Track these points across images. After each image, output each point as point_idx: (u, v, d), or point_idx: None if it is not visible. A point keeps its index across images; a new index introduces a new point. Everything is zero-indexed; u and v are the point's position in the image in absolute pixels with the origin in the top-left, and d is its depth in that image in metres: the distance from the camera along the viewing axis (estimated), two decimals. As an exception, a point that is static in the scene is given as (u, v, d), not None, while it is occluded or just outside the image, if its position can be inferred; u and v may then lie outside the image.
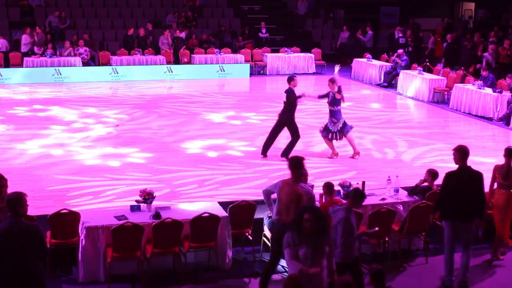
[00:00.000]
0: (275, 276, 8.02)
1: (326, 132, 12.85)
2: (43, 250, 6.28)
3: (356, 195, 7.39)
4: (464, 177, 8.03)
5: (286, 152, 12.58)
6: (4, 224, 6.17)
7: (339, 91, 12.51)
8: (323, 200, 8.76)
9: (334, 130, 12.75)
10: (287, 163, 8.07)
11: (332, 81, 12.64)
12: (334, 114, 12.71)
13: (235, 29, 26.49)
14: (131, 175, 11.75)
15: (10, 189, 7.22)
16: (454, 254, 8.20)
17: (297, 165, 7.81)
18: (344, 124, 12.75)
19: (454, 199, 8.02)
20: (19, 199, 6.21)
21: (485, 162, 12.31)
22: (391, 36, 26.10)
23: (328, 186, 8.73)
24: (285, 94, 12.60)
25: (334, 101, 12.66)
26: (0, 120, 15.67)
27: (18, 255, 6.12)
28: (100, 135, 14.47)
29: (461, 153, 8.05)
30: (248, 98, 19.86)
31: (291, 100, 12.48)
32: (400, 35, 24.69)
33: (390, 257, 8.93)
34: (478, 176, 8.10)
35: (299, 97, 12.61)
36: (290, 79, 12.60)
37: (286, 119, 12.59)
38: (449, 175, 8.13)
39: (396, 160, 13.10)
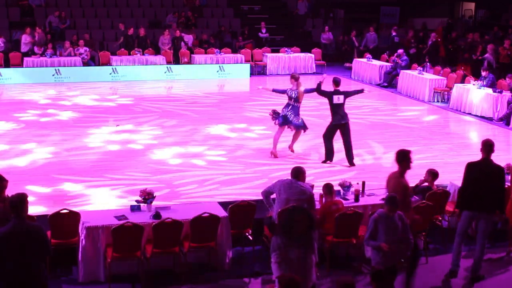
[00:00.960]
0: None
1: (283, 120, 12.65)
2: (43, 251, 6.28)
3: (387, 201, 7.39)
4: (486, 169, 8.19)
5: (351, 158, 12.42)
6: (7, 226, 6.20)
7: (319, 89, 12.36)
8: (323, 201, 8.76)
9: (285, 117, 12.60)
10: (394, 157, 8.00)
11: (293, 77, 12.63)
12: (295, 110, 12.57)
13: (235, 29, 26.48)
14: (131, 175, 11.76)
15: (10, 189, 7.22)
16: (462, 247, 8.35)
17: (403, 158, 7.87)
18: (295, 120, 12.59)
19: (474, 191, 8.15)
20: (21, 200, 6.23)
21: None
22: (391, 36, 26.08)
23: (328, 187, 8.73)
24: (343, 96, 12.15)
25: (296, 98, 12.61)
26: (0, 120, 15.69)
27: (18, 255, 6.13)
28: (100, 136, 14.47)
29: (486, 146, 8.25)
30: (244, 100, 19.85)
31: (350, 95, 12.46)
32: (394, 34, 24.67)
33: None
34: (500, 170, 8.27)
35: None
36: (339, 81, 12.29)
37: (338, 122, 12.32)
38: (471, 165, 8.30)
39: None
